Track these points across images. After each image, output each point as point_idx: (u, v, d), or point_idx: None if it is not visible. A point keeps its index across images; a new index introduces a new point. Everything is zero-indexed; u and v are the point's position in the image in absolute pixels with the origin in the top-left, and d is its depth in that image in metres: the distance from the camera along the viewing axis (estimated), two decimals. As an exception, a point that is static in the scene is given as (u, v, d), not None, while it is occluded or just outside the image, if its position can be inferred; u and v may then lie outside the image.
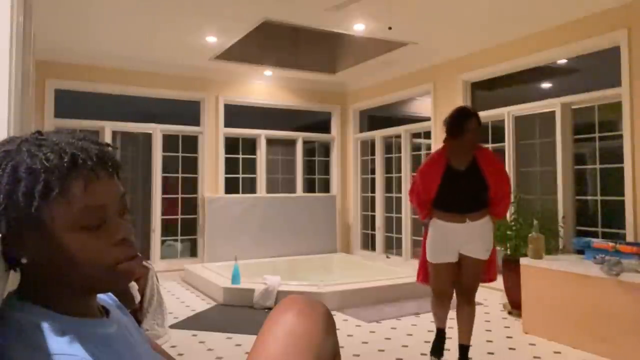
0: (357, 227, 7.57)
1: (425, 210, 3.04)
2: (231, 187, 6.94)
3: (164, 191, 6.53)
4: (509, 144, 5.21)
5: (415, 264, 6.26)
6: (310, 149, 7.85)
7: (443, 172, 2.93)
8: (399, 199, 6.79)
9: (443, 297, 3.12)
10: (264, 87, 7.12)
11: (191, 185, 6.71)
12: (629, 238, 4.05)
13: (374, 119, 7.60)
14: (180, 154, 6.67)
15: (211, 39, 5.33)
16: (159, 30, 5.07)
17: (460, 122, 2.90)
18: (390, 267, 6.03)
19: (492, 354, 3.36)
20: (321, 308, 1.00)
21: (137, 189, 6.55)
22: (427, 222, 3.08)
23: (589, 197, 4.68)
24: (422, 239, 3.21)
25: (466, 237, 2.95)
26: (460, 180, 2.94)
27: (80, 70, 5.95)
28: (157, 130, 6.48)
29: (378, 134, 7.19)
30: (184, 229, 6.68)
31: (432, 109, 6.15)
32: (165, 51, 5.81)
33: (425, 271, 3.17)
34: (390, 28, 4.91)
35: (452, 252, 2.99)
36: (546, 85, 5.45)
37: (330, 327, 0.99)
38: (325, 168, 7.87)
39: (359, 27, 4.91)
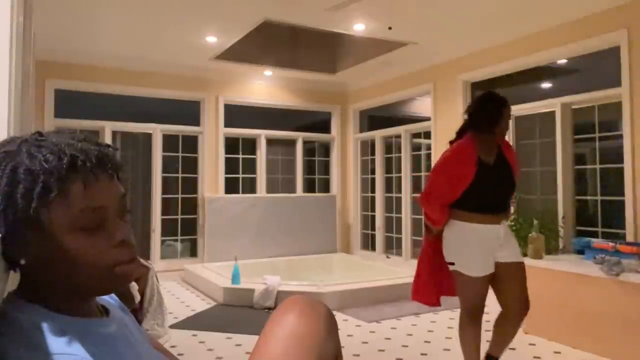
0: (357, 227, 7.56)
1: (447, 215, 2.57)
2: (231, 187, 6.94)
3: (164, 191, 6.53)
4: (509, 144, 5.20)
5: (415, 264, 6.26)
6: (310, 149, 7.85)
7: (476, 167, 2.50)
8: (399, 199, 6.79)
9: (479, 315, 2.61)
10: (264, 87, 7.12)
11: (191, 185, 6.71)
12: (629, 238, 4.05)
13: (374, 119, 7.60)
14: (180, 154, 6.66)
15: (211, 39, 5.33)
16: (159, 30, 5.07)
17: (498, 110, 2.53)
18: (390, 267, 6.04)
19: (492, 354, 3.36)
20: (323, 309, 1.00)
21: (137, 189, 6.54)
22: (438, 230, 2.64)
23: (589, 197, 4.68)
24: (422, 245, 2.77)
25: (502, 241, 2.55)
26: (492, 176, 2.53)
27: (80, 70, 5.95)
28: (157, 130, 6.48)
29: (378, 134, 7.19)
30: (184, 229, 6.67)
31: (432, 109, 6.14)
32: (165, 51, 5.81)
33: (425, 288, 2.70)
34: (390, 28, 4.92)
35: (491, 261, 2.54)
36: (546, 85, 5.45)
37: (332, 327, 0.99)
38: (325, 168, 7.87)
39: (359, 27, 4.91)
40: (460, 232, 2.55)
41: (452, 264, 2.58)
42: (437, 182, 2.57)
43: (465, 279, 2.54)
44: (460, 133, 2.68)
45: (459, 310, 4.58)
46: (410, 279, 5.16)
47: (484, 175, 2.50)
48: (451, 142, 2.70)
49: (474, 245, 2.52)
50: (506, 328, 2.62)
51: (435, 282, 2.69)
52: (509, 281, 2.56)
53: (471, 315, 2.60)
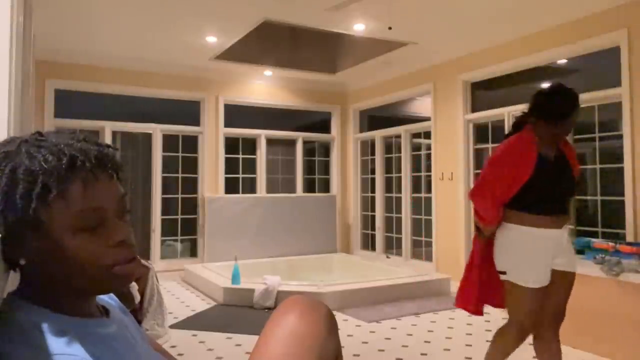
0: (357, 227, 7.56)
1: (500, 213, 2.31)
2: (231, 187, 6.94)
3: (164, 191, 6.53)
4: (509, 144, 5.20)
5: (415, 264, 6.30)
6: (310, 149, 7.85)
7: (536, 162, 2.27)
8: (399, 199, 6.79)
9: (530, 331, 2.39)
10: (264, 87, 7.12)
11: (191, 185, 6.71)
12: (629, 238, 4.05)
13: (374, 119, 7.60)
14: (180, 154, 6.66)
15: (211, 39, 5.33)
16: (159, 30, 5.07)
17: (572, 103, 2.33)
18: (390, 267, 6.04)
19: (492, 354, 3.36)
20: (323, 309, 1.00)
21: (137, 189, 6.54)
22: (490, 230, 2.38)
23: (589, 197, 4.68)
24: (472, 248, 2.51)
25: (561, 248, 2.32)
26: (552, 172, 2.30)
27: (80, 70, 5.95)
28: (157, 130, 6.48)
29: (378, 134, 7.19)
30: (184, 229, 6.67)
31: (432, 109, 6.14)
32: (165, 51, 5.81)
33: (470, 295, 2.45)
34: (390, 28, 4.92)
35: (549, 271, 2.31)
36: (546, 85, 5.44)
37: (332, 328, 0.99)
38: (325, 168, 7.87)
39: (359, 27, 4.91)
40: (517, 237, 2.29)
41: (504, 272, 2.32)
42: (492, 175, 2.33)
43: (520, 290, 2.27)
44: (517, 126, 2.47)
45: (459, 310, 4.58)
46: (410, 279, 5.18)
47: (544, 171, 2.27)
48: (506, 136, 2.50)
49: (533, 253, 2.27)
50: (550, 343, 2.40)
51: (481, 289, 2.44)
52: (556, 290, 2.34)
53: (522, 332, 2.35)
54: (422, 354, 3.39)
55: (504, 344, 2.41)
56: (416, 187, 6.58)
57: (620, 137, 4.20)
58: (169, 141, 6.59)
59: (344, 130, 7.74)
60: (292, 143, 7.48)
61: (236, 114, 6.91)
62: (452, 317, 4.28)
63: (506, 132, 2.70)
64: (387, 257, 6.92)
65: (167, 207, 6.55)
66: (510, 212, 2.30)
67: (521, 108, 5.33)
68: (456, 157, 5.74)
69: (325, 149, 7.86)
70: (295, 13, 4.53)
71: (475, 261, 2.44)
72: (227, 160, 6.87)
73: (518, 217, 2.29)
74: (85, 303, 0.79)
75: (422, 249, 6.44)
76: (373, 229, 7.27)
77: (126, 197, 0.80)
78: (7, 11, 1.29)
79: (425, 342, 3.65)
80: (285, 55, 6.18)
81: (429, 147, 6.31)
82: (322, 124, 7.78)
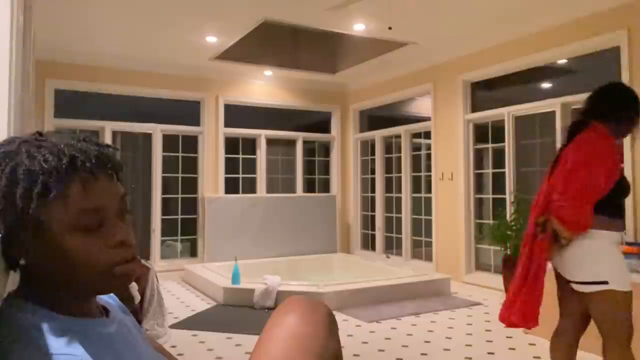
0: (357, 227, 7.56)
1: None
2: (231, 187, 6.94)
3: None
4: (509, 144, 5.21)
5: (415, 264, 6.30)
6: (310, 149, 7.85)
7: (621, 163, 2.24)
8: (399, 199, 6.79)
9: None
10: (264, 87, 7.12)
11: (191, 185, 6.71)
12: (629, 238, 4.05)
13: (374, 119, 7.60)
14: (180, 154, 6.66)
15: (211, 39, 5.33)
16: (159, 30, 5.07)
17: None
18: (390, 267, 6.04)
19: (492, 354, 3.36)
20: (324, 309, 1.00)
21: (137, 189, 6.54)
22: (571, 239, 2.16)
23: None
24: (535, 261, 2.27)
25: None
26: (622, 177, 2.20)
27: (80, 70, 5.95)
28: (157, 130, 6.48)
29: (378, 134, 7.19)
30: (184, 229, 6.67)
31: (432, 109, 6.14)
32: (165, 51, 5.81)
33: (536, 311, 2.24)
34: (390, 28, 4.92)
35: None
36: (546, 85, 5.45)
37: (332, 328, 0.99)
38: (325, 168, 7.87)
39: (359, 27, 4.91)
40: (606, 242, 2.14)
41: (604, 282, 2.08)
42: (594, 175, 2.08)
43: (628, 297, 2.09)
44: (578, 124, 2.30)
45: (458, 309, 4.59)
46: (411, 279, 5.18)
47: (621, 174, 2.17)
48: (569, 135, 2.35)
49: (620, 256, 2.16)
50: (570, 350, 2.35)
51: (539, 302, 2.27)
52: None
53: (629, 341, 2.11)
54: (422, 354, 3.39)
55: None
56: (416, 187, 6.58)
57: (620, 137, 4.19)
58: (169, 141, 6.59)
59: (344, 130, 7.74)
60: (292, 143, 7.48)
61: (236, 114, 6.91)
62: (452, 317, 4.28)
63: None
64: (387, 257, 6.92)
65: (167, 207, 6.55)
66: (594, 217, 2.11)
67: (521, 107, 5.36)
68: (456, 157, 5.74)
69: (325, 149, 7.86)
70: (295, 13, 4.53)
71: (540, 275, 2.22)
72: (227, 160, 6.87)
73: (601, 222, 2.12)
74: (85, 303, 0.79)
75: (422, 249, 6.44)
76: (373, 229, 7.27)
77: (126, 197, 0.80)
78: (7, 11, 1.29)
79: (425, 342, 3.65)
80: (285, 55, 6.18)
81: (429, 147, 6.31)
82: (322, 124, 7.78)
